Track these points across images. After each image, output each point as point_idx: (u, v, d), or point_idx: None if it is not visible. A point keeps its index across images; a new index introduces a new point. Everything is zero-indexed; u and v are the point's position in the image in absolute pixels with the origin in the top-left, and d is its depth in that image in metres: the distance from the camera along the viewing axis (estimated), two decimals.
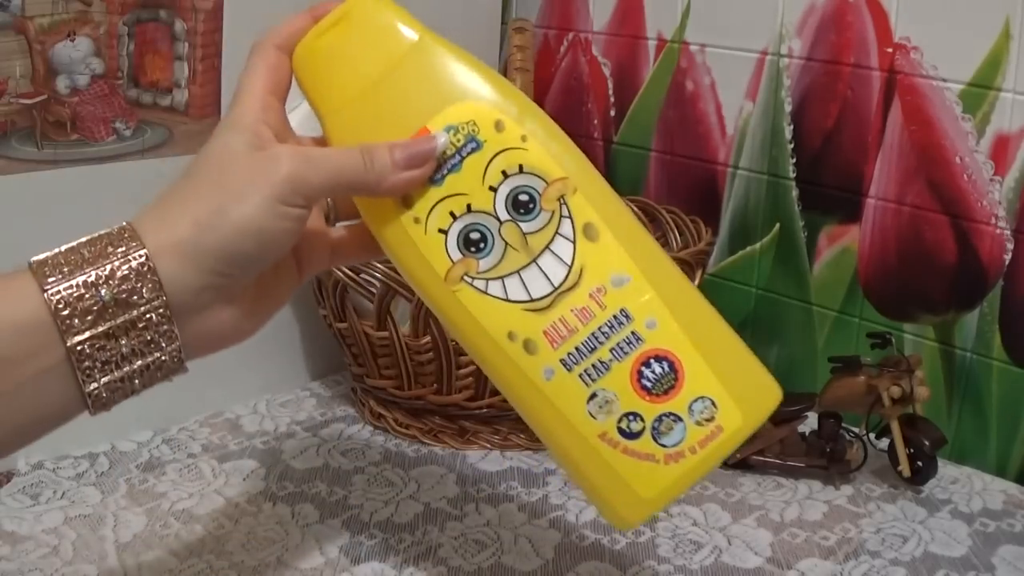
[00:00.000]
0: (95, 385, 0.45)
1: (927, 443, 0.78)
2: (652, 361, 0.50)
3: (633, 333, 0.50)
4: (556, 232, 0.50)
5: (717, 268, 0.98)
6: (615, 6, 1.01)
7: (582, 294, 0.50)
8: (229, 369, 0.88)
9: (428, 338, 0.80)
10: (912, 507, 0.77)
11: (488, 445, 0.85)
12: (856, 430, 0.81)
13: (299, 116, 0.55)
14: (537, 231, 0.50)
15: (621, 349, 0.50)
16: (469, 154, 0.50)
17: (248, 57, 0.52)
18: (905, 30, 0.83)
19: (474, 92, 0.51)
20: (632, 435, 0.50)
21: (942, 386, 0.86)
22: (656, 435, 0.50)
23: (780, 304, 0.95)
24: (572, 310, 0.50)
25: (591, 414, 0.50)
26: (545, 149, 0.51)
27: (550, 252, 0.50)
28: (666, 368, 0.50)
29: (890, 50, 0.84)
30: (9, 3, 0.68)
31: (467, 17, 1.01)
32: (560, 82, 1.07)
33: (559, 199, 0.50)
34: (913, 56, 0.83)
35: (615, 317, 0.50)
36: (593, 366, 0.50)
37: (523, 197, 0.50)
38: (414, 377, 0.83)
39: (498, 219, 0.50)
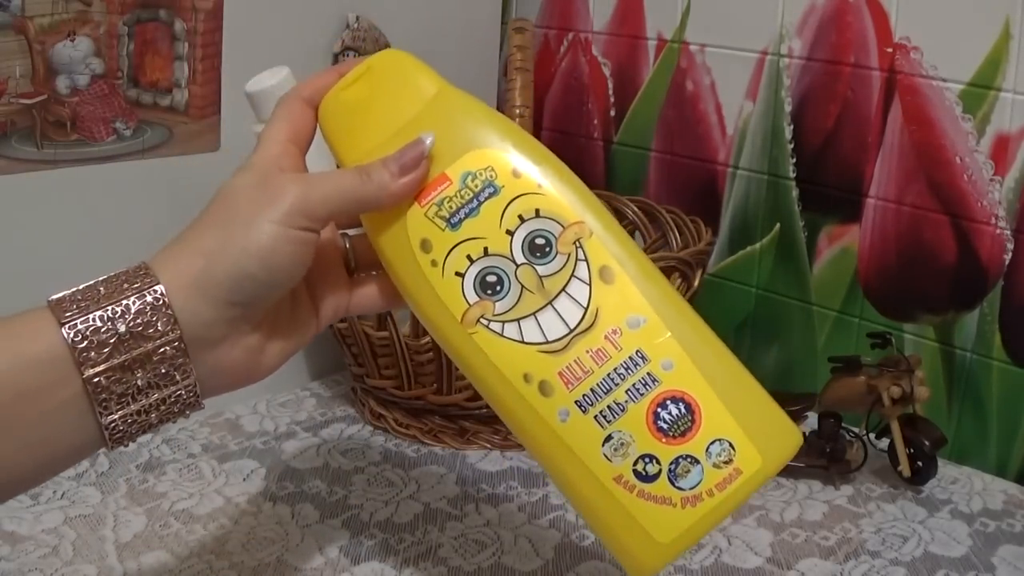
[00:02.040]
0: (112, 418, 0.46)
1: (927, 443, 0.78)
2: (668, 402, 0.50)
3: (649, 374, 0.50)
4: (572, 275, 0.51)
5: (717, 268, 0.98)
6: (615, 6, 1.01)
7: (598, 336, 0.50)
8: None
9: (428, 338, 0.80)
10: (912, 507, 0.77)
11: (488, 445, 0.85)
12: (856, 430, 0.81)
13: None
14: (553, 274, 0.51)
15: (637, 390, 0.50)
16: (487, 199, 0.51)
17: (274, 108, 0.53)
18: (905, 30, 0.83)
19: (491, 140, 0.52)
20: (648, 478, 0.49)
21: (942, 386, 0.86)
22: (673, 478, 0.49)
23: (780, 304, 0.95)
24: (588, 351, 0.50)
25: (607, 456, 0.50)
26: (561, 194, 0.52)
27: (566, 294, 0.51)
28: (683, 409, 0.50)
29: (890, 50, 0.84)
30: (9, 3, 0.68)
31: (467, 17, 1.01)
32: (560, 82, 1.07)
33: (575, 242, 0.51)
34: (913, 56, 0.83)
35: (631, 358, 0.50)
36: (609, 407, 0.50)
37: (539, 241, 0.51)
38: (414, 377, 0.83)
39: (514, 262, 0.51)
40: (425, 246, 0.51)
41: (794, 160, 0.92)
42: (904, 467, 0.78)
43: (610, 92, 1.03)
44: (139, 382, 0.46)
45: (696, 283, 0.84)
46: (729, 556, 0.70)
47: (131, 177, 0.78)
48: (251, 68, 0.71)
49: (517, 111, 0.91)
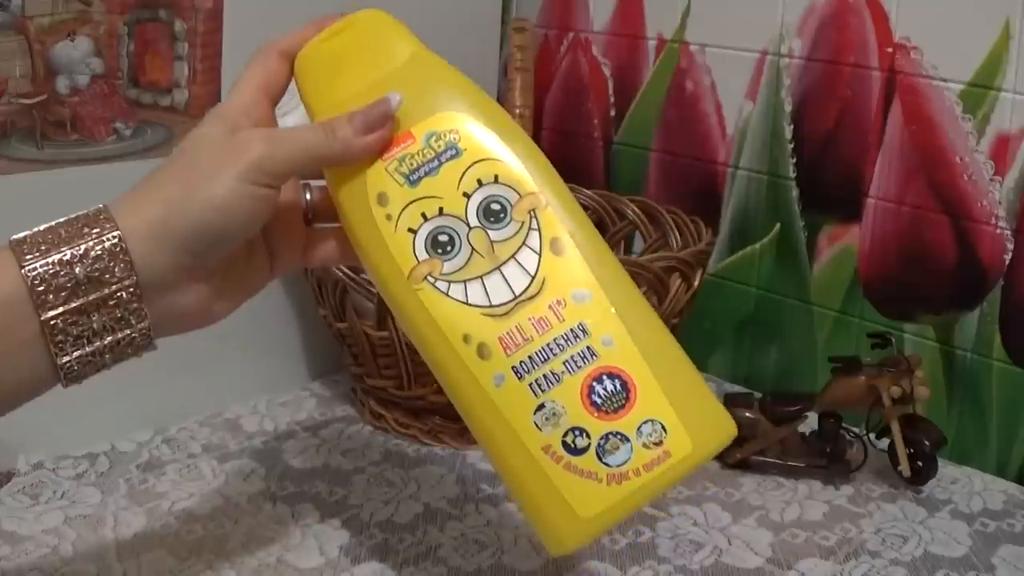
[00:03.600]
0: (67, 358, 0.47)
1: (927, 443, 0.78)
2: (604, 377, 0.50)
3: (588, 348, 0.50)
4: (523, 243, 0.51)
5: (717, 268, 0.98)
6: (615, 6, 1.01)
7: (542, 304, 0.51)
8: (229, 369, 0.88)
9: None
10: (912, 507, 0.77)
11: None
12: (856, 430, 0.81)
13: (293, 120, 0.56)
14: (505, 240, 0.51)
15: (575, 362, 0.50)
16: (448, 160, 0.52)
17: (250, 58, 0.54)
18: (905, 30, 0.83)
19: (460, 105, 0.53)
20: (576, 451, 0.49)
21: (942, 386, 0.86)
22: (601, 453, 0.49)
23: (780, 304, 0.95)
24: (530, 319, 0.50)
25: (537, 425, 0.50)
26: (522, 165, 0.52)
27: (515, 261, 0.51)
28: (618, 386, 0.50)
29: (890, 50, 0.84)
30: (9, 3, 0.68)
31: (467, 17, 1.01)
32: (560, 82, 1.07)
33: (530, 212, 0.52)
34: (913, 56, 0.83)
35: (572, 330, 0.50)
36: (544, 376, 0.50)
37: (495, 206, 0.52)
38: (414, 377, 0.83)
39: (468, 225, 0.52)
40: (382, 200, 0.52)
41: (794, 160, 0.92)
42: (904, 467, 0.78)
43: (610, 92, 1.03)
44: (95, 325, 0.47)
45: (696, 283, 0.84)
46: (729, 556, 0.70)
47: (131, 177, 0.77)
48: None
49: (517, 111, 0.91)
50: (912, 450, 0.79)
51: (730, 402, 0.81)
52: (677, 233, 0.91)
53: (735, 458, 0.80)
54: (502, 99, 1.04)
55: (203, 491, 0.76)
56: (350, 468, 0.81)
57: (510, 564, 0.69)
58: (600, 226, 0.97)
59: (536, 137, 1.06)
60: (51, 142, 0.74)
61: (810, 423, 0.81)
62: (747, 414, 0.79)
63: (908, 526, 0.75)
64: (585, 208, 0.96)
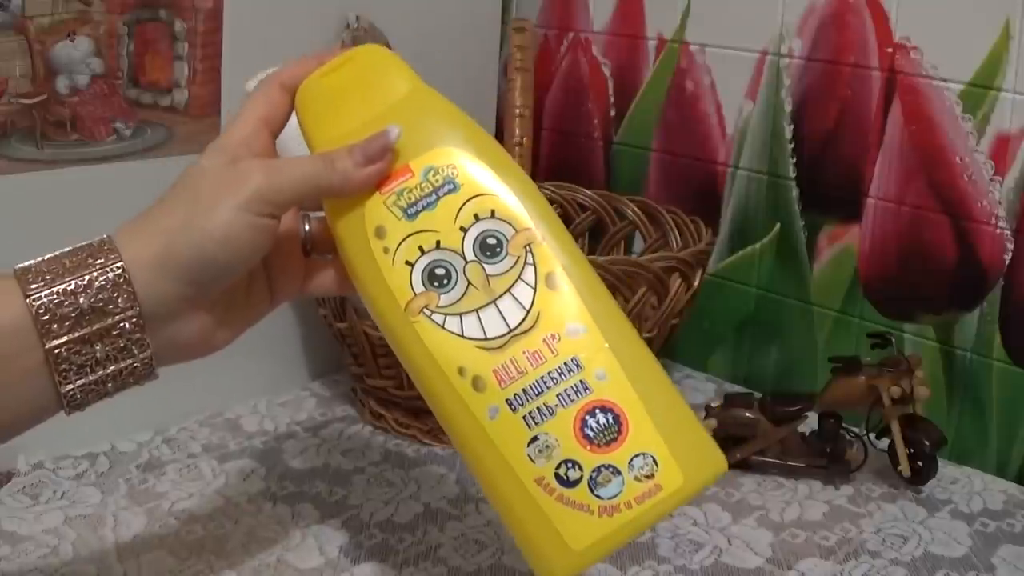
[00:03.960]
0: (71, 387, 0.48)
1: (927, 443, 0.78)
2: (597, 411, 0.50)
3: (582, 382, 0.51)
4: (519, 277, 0.52)
5: (717, 268, 0.98)
6: (615, 6, 1.01)
7: (536, 338, 0.51)
8: (229, 369, 0.88)
9: None
10: (912, 507, 0.77)
11: None
12: (856, 430, 0.81)
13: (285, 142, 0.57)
14: (500, 274, 0.52)
15: (568, 396, 0.51)
16: (445, 194, 0.53)
17: (253, 91, 0.55)
18: (905, 30, 0.83)
19: (458, 141, 0.54)
20: (569, 483, 0.50)
21: (942, 386, 0.86)
22: (593, 486, 0.50)
23: (780, 304, 0.95)
24: (524, 352, 0.51)
25: (530, 457, 0.50)
26: (518, 200, 0.53)
27: (510, 295, 0.52)
28: (610, 420, 0.50)
29: (890, 50, 0.84)
30: (9, 3, 0.68)
31: (467, 17, 1.01)
32: (560, 82, 1.07)
33: (526, 247, 0.52)
34: (913, 56, 0.83)
35: (566, 364, 0.51)
36: (538, 409, 0.50)
37: (491, 241, 0.52)
38: None
39: (464, 258, 0.52)
40: (380, 233, 0.52)
41: (794, 160, 0.92)
42: (904, 467, 0.78)
43: (610, 92, 1.03)
44: (98, 354, 0.48)
45: (696, 283, 0.84)
46: (729, 556, 0.70)
47: (131, 177, 0.78)
48: (251, 68, 0.71)
49: (517, 111, 0.91)
50: (912, 450, 0.79)
51: (730, 402, 0.81)
52: (677, 233, 0.91)
53: (735, 458, 0.80)
54: (502, 99, 1.04)
55: (203, 491, 0.76)
56: (350, 468, 0.81)
57: (510, 564, 0.69)
58: (600, 226, 0.97)
59: (536, 137, 1.06)
60: (51, 142, 0.74)
61: (810, 423, 0.81)
62: (747, 414, 0.80)
63: (908, 526, 0.75)
64: (585, 208, 0.97)
